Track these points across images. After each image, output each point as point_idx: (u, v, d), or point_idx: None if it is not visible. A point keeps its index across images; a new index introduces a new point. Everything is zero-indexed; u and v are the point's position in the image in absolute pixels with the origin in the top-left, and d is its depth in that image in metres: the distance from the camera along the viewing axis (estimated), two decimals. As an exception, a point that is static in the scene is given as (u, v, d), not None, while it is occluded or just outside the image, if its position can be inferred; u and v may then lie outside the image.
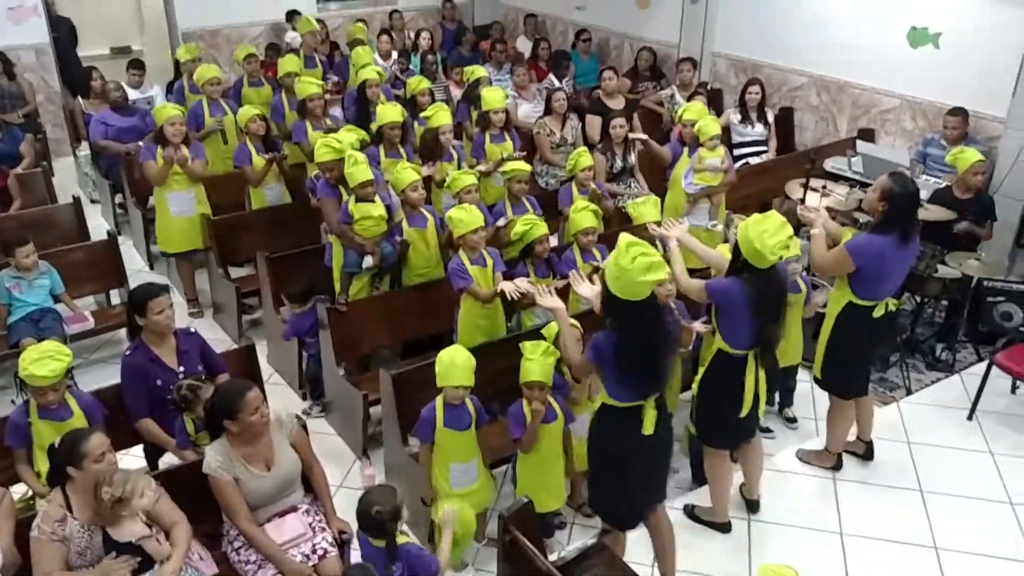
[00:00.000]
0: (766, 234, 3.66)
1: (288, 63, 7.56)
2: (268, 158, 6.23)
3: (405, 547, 3.31)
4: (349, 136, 5.66)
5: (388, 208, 5.28)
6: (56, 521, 3.25)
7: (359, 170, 5.09)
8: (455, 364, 3.86)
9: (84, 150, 8.25)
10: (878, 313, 4.37)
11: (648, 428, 3.51)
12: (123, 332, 6.06)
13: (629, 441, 3.54)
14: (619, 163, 6.67)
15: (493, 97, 6.49)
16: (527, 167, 5.73)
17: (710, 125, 6.03)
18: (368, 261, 5.21)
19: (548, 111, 7.34)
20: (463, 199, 5.27)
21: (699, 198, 6.11)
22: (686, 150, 6.27)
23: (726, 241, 5.66)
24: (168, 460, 4.35)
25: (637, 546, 4.09)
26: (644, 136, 6.57)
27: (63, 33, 9.73)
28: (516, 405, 3.99)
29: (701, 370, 4.23)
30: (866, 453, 4.96)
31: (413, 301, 5.35)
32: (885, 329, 4.50)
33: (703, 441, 4.34)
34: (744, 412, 4.04)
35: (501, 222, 5.49)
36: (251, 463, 3.63)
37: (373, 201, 5.18)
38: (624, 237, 3.33)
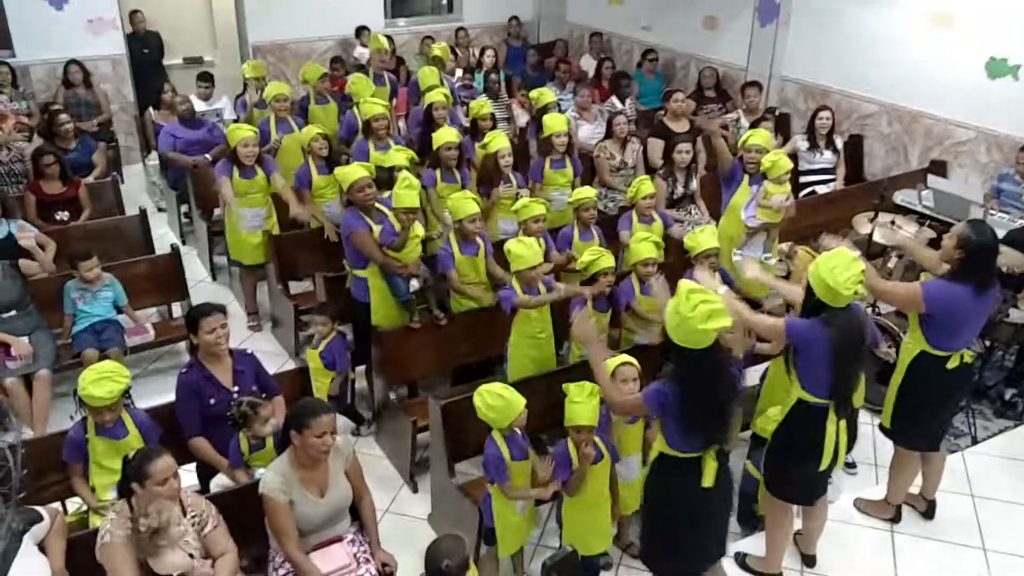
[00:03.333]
0: (837, 270, 3.56)
1: (358, 83, 7.48)
2: None
3: None
4: (399, 156, 5.65)
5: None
6: (128, 526, 3.29)
7: (409, 195, 4.98)
8: (509, 400, 3.80)
9: (153, 159, 8.48)
10: (952, 364, 4.20)
11: (707, 480, 3.40)
12: (183, 344, 6.19)
13: (687, 493, 3.43)
14: (680, 189, 6.57)
15: (555, 122, 6.42)
16: (592, 193, 5.66)
17: (783, 162, 5.76)
18: (414, 284, 5.21)
19: (609, 134, 7.28)
20: (530, 228, 5.24)
21: (757, 231, 5.91)
22: (746, 179, 6.00)
23: (788, 274, 5.53)
24: (220, 481, 4.39)
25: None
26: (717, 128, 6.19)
27: (153, 48, 9.88)
28: (560, 447, 3.92)
29: (772, 409, 4.14)
30: (927, 511, 4.77)
31: (463, 328, 5.34)
32: (959, 381, 4.32)
33: (771, 492, 4.15)
34: (823, 466, 3.89)
35: (562, 258, 5.51)
36: (307, 488, 3.65)
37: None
38: (684, 284, 3.26)
